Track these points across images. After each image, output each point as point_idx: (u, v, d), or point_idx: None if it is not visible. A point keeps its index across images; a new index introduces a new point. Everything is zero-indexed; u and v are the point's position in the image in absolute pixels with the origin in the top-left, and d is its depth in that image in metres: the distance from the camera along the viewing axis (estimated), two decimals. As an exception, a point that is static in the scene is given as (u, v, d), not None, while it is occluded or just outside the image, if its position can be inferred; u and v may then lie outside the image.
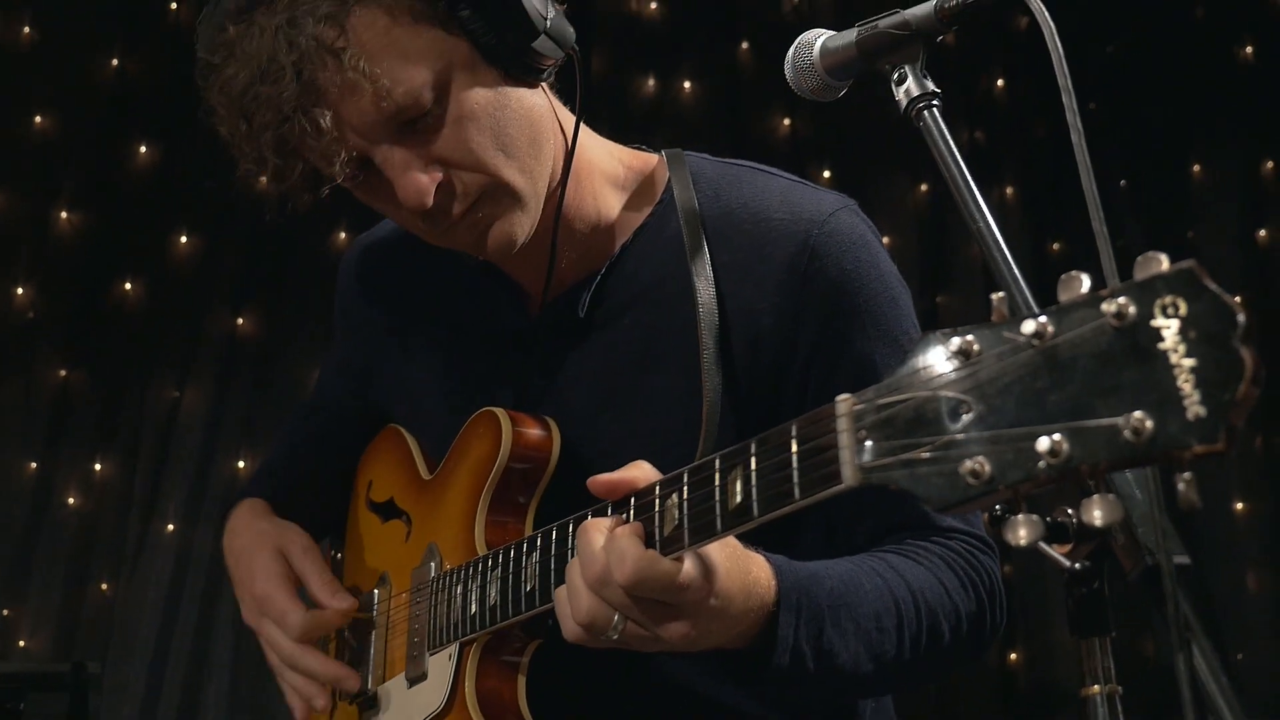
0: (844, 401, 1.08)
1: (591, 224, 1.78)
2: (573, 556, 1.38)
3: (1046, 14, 1.30)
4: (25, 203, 5.13)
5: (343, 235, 5.14)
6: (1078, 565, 1.15)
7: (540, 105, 1.68)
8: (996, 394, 0.92)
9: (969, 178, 1.35)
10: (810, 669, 1.43)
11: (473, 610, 1.62)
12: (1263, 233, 5.61)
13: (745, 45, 5.70)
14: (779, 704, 1.67)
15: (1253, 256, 5.58)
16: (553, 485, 1.71)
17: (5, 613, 4.74)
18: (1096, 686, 1.15)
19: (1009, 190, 5.65)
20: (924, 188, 5.55)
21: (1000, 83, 5.79)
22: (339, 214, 5.10)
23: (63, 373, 5.01)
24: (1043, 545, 1.14)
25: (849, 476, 1.05)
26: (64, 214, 5.13)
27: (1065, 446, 0.87)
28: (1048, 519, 1.12)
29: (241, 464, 5.01)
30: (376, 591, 1.93)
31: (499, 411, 1.72)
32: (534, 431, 1.71)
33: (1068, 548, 1.15)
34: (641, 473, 1.38)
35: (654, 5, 5.67)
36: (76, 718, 3.42)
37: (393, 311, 2.01)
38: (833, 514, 1.71)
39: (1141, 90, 5.69)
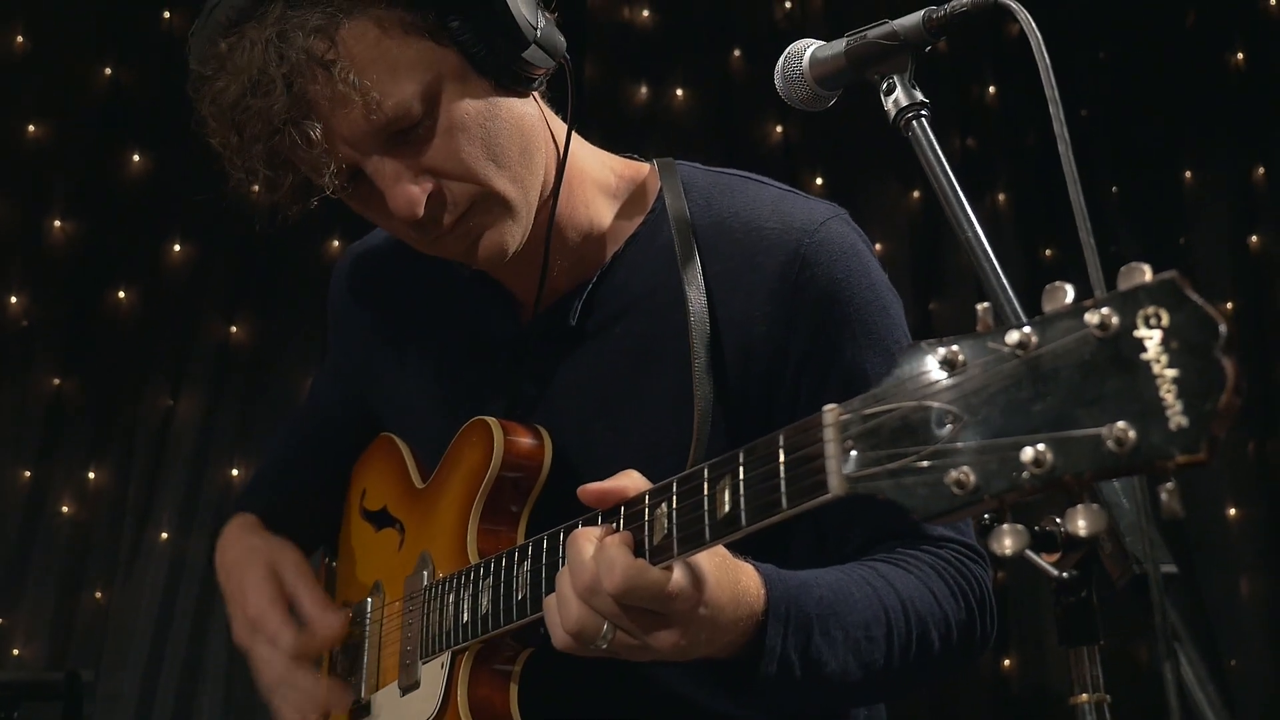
0: (830, 411, 1.08)
1: (583, 233, 1.79)
2: (563, 565, 1.38)
3: (1033, 24, 1.31)
4: (18, 211, 5.12)
5: (335, 244, 5.14)
6: (1065, 574, 1.16)
7: (531, 114, 1.68)
8: (981, 404, 0.93)
9: (957, 187, 1.36)
10: (798, 677, 1.43)
11: (465, 619, 1.62)
12: (1254, 239, 5.62)
13: (737, 53, 5.71)
14: (768, 712, 1.68)
15: (1244, 262, 5.59)
16: (545, 494, 1.72)
17: (-1, 621, 4.74)
18: (1085, 695, 1.16)
19: (1001, 197, 5.66)
20: (916, 195, 5.55)
21: (992, 90, 5.80)
22: (331, 223, 5.10)
23: (56, 381, 5.01)
24: (1030, 554, 1.14)
25: (835, 486, 1.06)
26: (57, 222, 5.13)
27: (1049, 456, 0.88)
28: (1035, 528, 1.13)
29: (235, 472, 5.01)
30: (370, 600, 1.93)
31: (491, 421, 1.72)
32: (526, 440, 1.72)
33: (1055, 556, 1.16)
34: (631, 481, 1.38)
35: (646, 13, 5.68)
36: (70, 726, 3.42)
37: (385, 320, 2.01)
38: (823, 523, 1.71)
39: (1133, 97, 5.70)
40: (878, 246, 1.77)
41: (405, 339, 1.97)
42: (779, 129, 5.61)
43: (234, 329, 5.19)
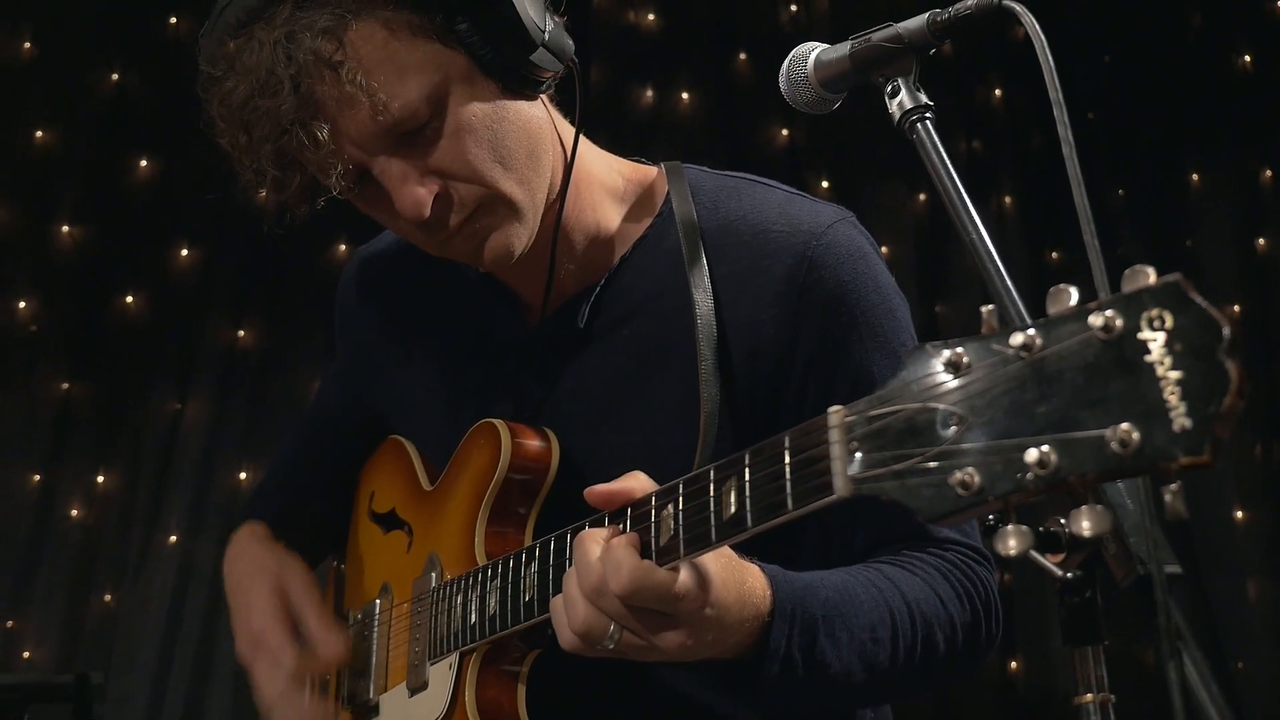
0: (835, 413, 1.08)
1: (590, 235, 1.79)
2: (571, 567, 1.39)
3: (1037, 27, 1.31)
4: (26, 216, 5.14)
5: (342, 247, 5.15)
6: (1070, 575, 1.16)
7: (539, 117, 1.69)
8: (986, 406, 0.93)
9: (962, 189, 1.36)
10: (802, 678, 1.43)
11: (472, 620, 1.63)
12: (1261, 241, 5.62)
13: (743, 56, 5.72)
14: (774, 713, 1.68)
15: (1250, 265, 5.59)
16: (552, 496, 1.72)
17: (9, 624, 4.74)
18: (1089, 695, 1.16)
19: (1007, 200, 5.66)
20: (922, 197, 5.56)
21: (998, 92, 5.81)
22: (339, 226, 5.11)
23: (65, 385, 5.03)
24: (1035, 555, 1.14)
25: (840, 487, 1.06)
26: (65, 228, 5.15)
27: (1053, 458, 0.88)
28: (1040, 529, 1.13)
29: (243, 475, 5.02)
30: (378, 601, 1.94)
31: (498, 423, 1.73)
32: (533, 443, 1.72)
33: (1060, 557, 1.16)
34: (638, 483, 1.39)
35: (651, 17, 5.69)
36: (79, 729, 3.43)
37: (392, 323, 2.01)
38: (830, 525, 1.71)
39: (1139, 99, 5.70)
40: (883, 249, 1.77)
41: (412, 341, 1.98)
42: (784, 132, 5.61)
43: (241, 333, 5.20)
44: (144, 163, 5.27)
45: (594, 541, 1.34)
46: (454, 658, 1.67)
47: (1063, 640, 1.19)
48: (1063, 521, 1.14)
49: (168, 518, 4.91)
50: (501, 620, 1.57)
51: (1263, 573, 5.23)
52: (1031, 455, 0.89)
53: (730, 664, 1.42)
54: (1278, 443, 5.29)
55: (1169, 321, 0.84)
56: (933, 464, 0.95)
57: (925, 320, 5.32)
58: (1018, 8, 1.34)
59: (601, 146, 1.87)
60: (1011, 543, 0.92)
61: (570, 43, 1.66)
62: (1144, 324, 0.85)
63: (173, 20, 5.36)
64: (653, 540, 1.31)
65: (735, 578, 1.37)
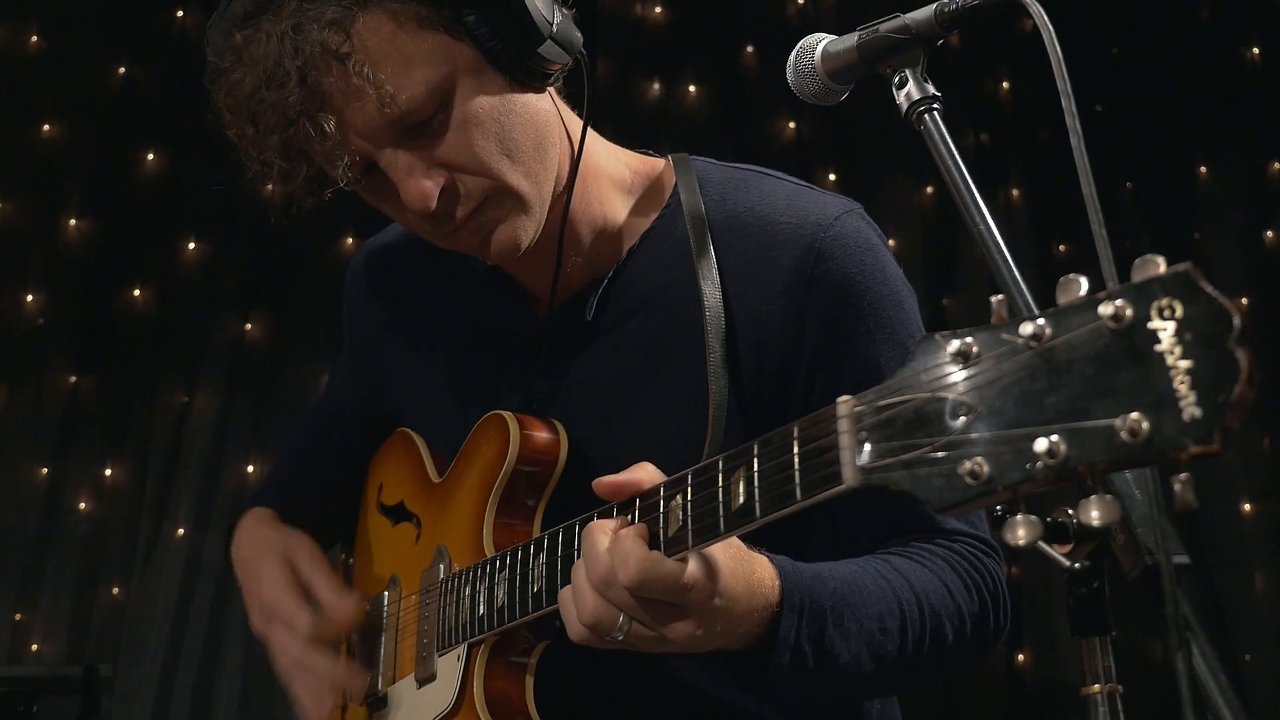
0: (844, 403, 1.08)
1: (598, 228, 1.79)
2: (579, 558, 1.39)
3: (1045, 18, 1.31)
4: (34, 210, 5.15)
5: (350, 240, 5.16)
6: (1078, 565, 1.16)
7: (546, 110, 1.69)
8: (995, 395, 0.93)
9: (969, 181, 1.36)
10: (811, 668, 1.43)
11: (481, 611, 1.63)
12: (1269, 234, 5.61)
13: (750, 49, 5.71)
14: (782, 703, 1.68)
15: (1259, 258, 5.57)
16: (560, 487, 1.72)
17: (18, 617, 4.75)
18: (1097, 685, 1.16)
19: (1014, 192, 5.65)
20: (929, 190, 5.55)
21: (1005, 85, 5.79)
22: (346, 220, 5.12)
23: (73, 379, 5.04)
24: (1043, 545, 1.14)
25: (849, 477, 1.06)
26: (72, 221, 5.16)
27: (1063, 447, 0.88)
28: (1048, 519, 1.13)
29: (250, 468, 5.02)
30: (386, 593, 1.94)
31: (507, 415, 1.73)
32: (542, 434, 1.72)
33: (1068, 548, 1.16)
34: (646, 474, 1.39)
35: (658, 9, 5.68)
36: (88, 721, 3.43)
37: (400, 315, 2.01)
38: (838, 516, 1.72)
39: (1147, 92, 5.68)
40: (891, 242, 1.76)
41: (420, 334, 1.98)
42: (791, 125, 5.61)
43: (249, 326, 5.21)
44: (151, 156, 5.27)
45: (602, 533, 1.34)
46: (462, 649, 1.67)
47: (1070, 631, 1.18)
48: (1070, 512, 1.14)
49: (175, 511, 4.92)
50: (510, 611, 1.57)
51: (1271, 565, 5.22)
52: (1041, 445, 0.89)
53: (739, 654, 1.43)
54: (1287, 436, 5.29)
55: (1179, 311, 0.83)
56: (942, 454, 0.95)
57: (933, 313, 5.31)
58: None
59: (608, 139, 1.87)
60: (1020, 532, 0.92)
61: (578, 35, 1.65)
62: (1154, 313, 0.84)
63: (180, 14, 5.36)
64: (661, 531, 1.31)
65: (744, 568, 1.37)
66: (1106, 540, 1.14)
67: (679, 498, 1.30)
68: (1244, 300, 5.43)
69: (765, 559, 1.42)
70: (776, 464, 1.18)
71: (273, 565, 1.90)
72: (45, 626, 4.76)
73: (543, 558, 1.53)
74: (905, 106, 1.42)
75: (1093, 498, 0.88)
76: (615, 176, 1.82)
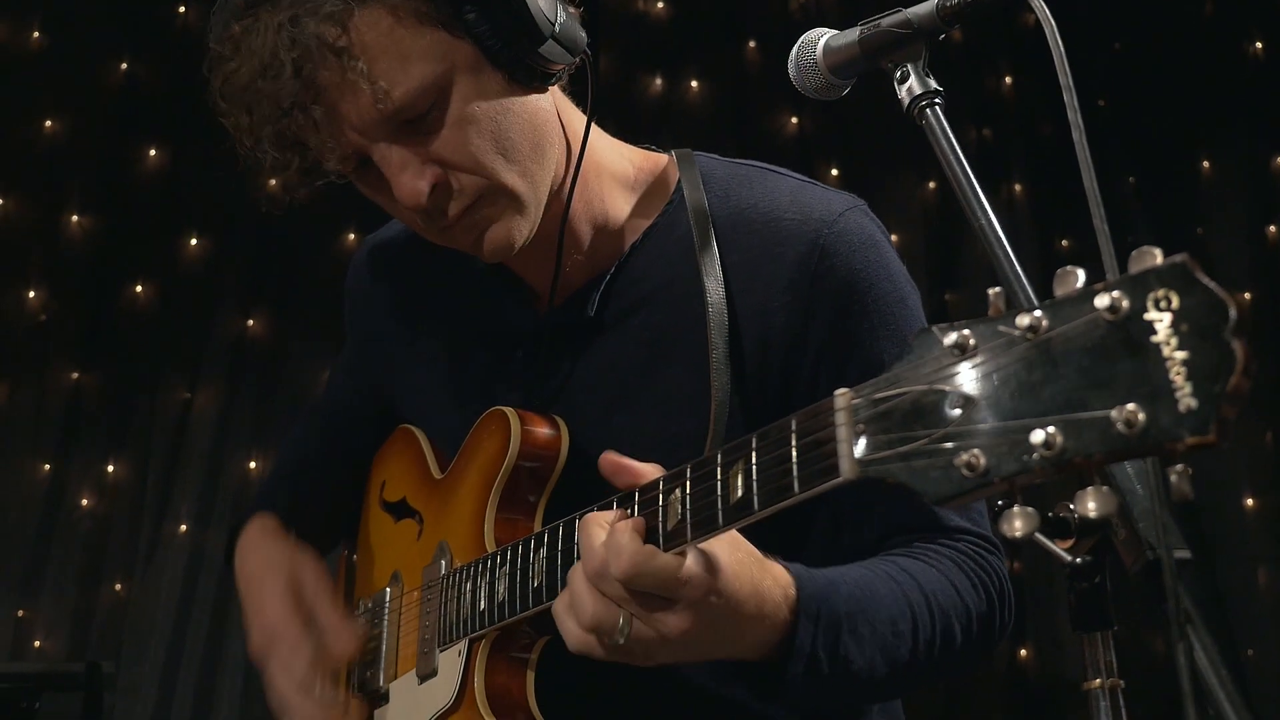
0: (842, 396, 1.08)
1: (600, 224, 1.79)
2: (579, 554, 1.39)
3: (1047, 12, 1.31)
4: (36, 207, 5.16)
5: (351, 237, 5.16)
6: (1079, 560, 1.16)
7: (546, 109, 1.68)
8: (992, 387, 0.93)
9: (971, 175, 1.36)
10: (826, 675, 1.43)
11: (482, 606, 1.63)
12: (1272, 228, 5.60)
13: (752, 44, 5.71)
14: (794, 709, 1.68)
15: (1262, 253, 5.57)
16: (562, 483, 1.72)
17: (20, 613, 4.76)
18: (1098, 680, 1.16)
19: (1017, 187, 5.65)
20: (932, 185, 5.55)
21: (1008, 80, 5.79)
22: (348, 216, 5.12)
23: (75, 375, 5.04)
24: (1044, 540, 1.14)
25: (846, 469, 1.06)
26: (74, 218, 5.16)
27: (1059, 439, 0.88)
28: (1048, 514, 1.13)
29: (253, 464, 5.03)
30: (388, 590, 1.94)
31: (508, 410, 1.73)
32: (543, 430, 1.72)
33: (1069, 543, 1.16)
34: (651, 468, 1.39)
35: (660, 4, 5.68)
36: (91, 717, 3.45)
37: (402, 311, 2.01)
38: (840, 515, 1.71)
39: (1150, 86, 5.68)
40: (893, 237, 1.77)
41: (422, 329, 1.98)
42: (794, 120, 5.61)
43: (250, 322, 5.21)
44: (153, 152, 5.28)
45: (598, 525, 1.34)
46: (463, 644, 1.67)
47: (1072, 626, 1.19)
48: (1071, 507, 1.14)
49: (178, 507, 4.93)
50: (510, 606, 1.57)
51: (1273, 560, 5.22)
52: (1037, 436, 0.89)
53: (753, 663, 1.42)
54: (1289, 430, 5.29)
55: (1175, 302, 0.83)
56: (939, 446, 0.95)
57: (935, 308, 5.31)
58: (1028, -7, 1.34)
59: (610, 135, 1.87)
60: (1017, 524, 0.92)
61: (583, 35, 1.64)
62: (1150, 305, 0.84)
63: (181, 10, 5.37)
64: (660, 524, 1.31)
65: (750, 573, 1.36)
66: (1108, 535, 1.14)
67: (677, 491, 1.29)
68: (1246, 295, 5.42)
69: (780, 566, 1.41)
70: (774, 457, 1.17)
71: (277, 588, 1.89)
72: (48, 623, 4.77)
73: (543, 552, 1.53)
74: (907, 101, 1.42)
75: (1089, 489, 0.88)
76: (619, 173, 1.82)
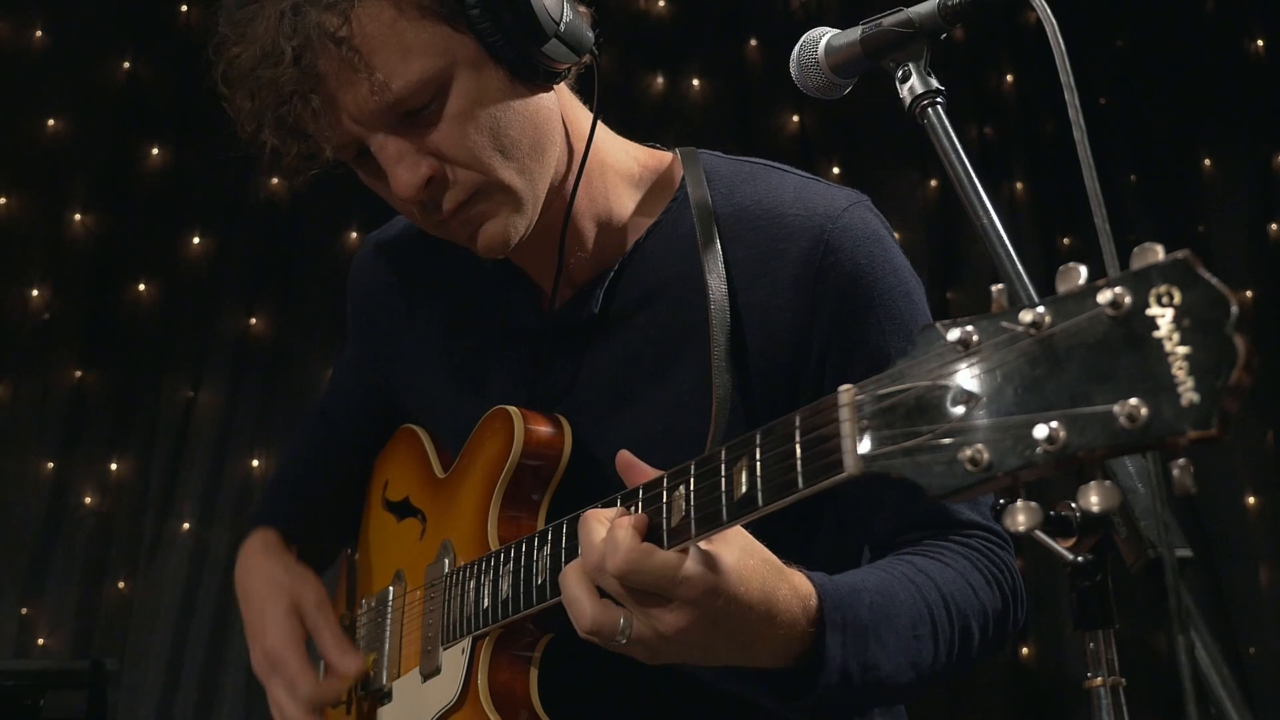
0: (845, 392, 1.09)
1: (605, 221, 1.79)
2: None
3: (1049, 11, 1.31)
4: (39, 205, 5.16)
5: (354, 235, 5.16)
6: (1081, 558, 1.16)
7: (548, 107, 1.68)
8: (995, 383, 0.93)
9: (972, 174, 1.36)
10: (856, 684, 1.42)
11: (485, 604, 1.63)
12: (1274, 226, 5.60)
13: (753, 42, 5.71)
14: (816, 716, 1.66)
15: (1264, 251, 5.57)
16: (565, 481, 1.72)
17: (24, 611, 4.77)
18: (1100, 678, 1.16)
19: (1019, 186, 5.65)
20: (934, 183, 5.55)
21: (1009, 78, 5.79)
22: (350, 214, 5.12)
23: (78, 374, 5.05)
24: (1045, 538, 1.15)
25: (850, 465, 1.06)
26: (77, 216, 5.17)
27: (1062, 434, 0.88)
28: (1050, 512, 1.13)
29: (255, 462, 5.04)
30: (391, 589, 1.94)
31: (511, 410, 1.73)
32: (546, 429, 1.73)
33: (1071, 541, 1.16)
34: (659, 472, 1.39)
35: (662, 3, 5.68)
36: (94, 714, 3.45)
37: (405, 309, 2.01)
38: (850, 511, 1.71)
39: (1151, 85, 5.68)
40: (895, 235, 1.77)
41: (426, 327, 1.98)
42: (795, 118, 5.61)
43: (253, 320, 5.22)
44: (156, 151, 5.28)
45: (598, 521, 1.34)
46: (466, 642, 1.68)
47: (1074, 624, 1.19)
48: (1073, 505, 1.14)
49: (181, 505, 4.94)
50: (514, 604, 1.57)
51: (1274, 559, 5.22)
52: (1040, 431, 0.89)
53: (781, 673, 1.42)
54: (1291, 428, 5.29)
55: (1177, 298, 0.84)
56: (942, 441, 0.96)
57: (936, 307, 5.27)
58: (1029, -9, 1.34)
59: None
60: (1020, 518, 0.92)
61: (590, 35, 1.64)
62: (1152, 300, 0.85)
63: (184, 9, 5.37)
64: (664, 521, 1.31)
65: (761, 578, 1.34)
66: (1109, 534, 1.14)
67: (681, 488, 1.30)
68: (1248, 293, 5.42)
69: (801, 575, 1.40)
70: (778, 453, 1.18)
71: (279, 612, 1.92)
72: (51, 620, 4.77)
73: (546, 550, 1.53)
74: (909, 100, 1.43)
75: (1091, 483, 0.89)
76: (623, 170, 1.82)
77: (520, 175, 1.64)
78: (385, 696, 1.89)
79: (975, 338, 0.95)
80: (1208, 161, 5.69)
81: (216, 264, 5.23)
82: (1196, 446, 0.82)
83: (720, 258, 1.70)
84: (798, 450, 1.15)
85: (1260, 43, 5.76)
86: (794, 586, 1.39)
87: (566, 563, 1.47)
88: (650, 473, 1.38)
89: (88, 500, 4.93)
